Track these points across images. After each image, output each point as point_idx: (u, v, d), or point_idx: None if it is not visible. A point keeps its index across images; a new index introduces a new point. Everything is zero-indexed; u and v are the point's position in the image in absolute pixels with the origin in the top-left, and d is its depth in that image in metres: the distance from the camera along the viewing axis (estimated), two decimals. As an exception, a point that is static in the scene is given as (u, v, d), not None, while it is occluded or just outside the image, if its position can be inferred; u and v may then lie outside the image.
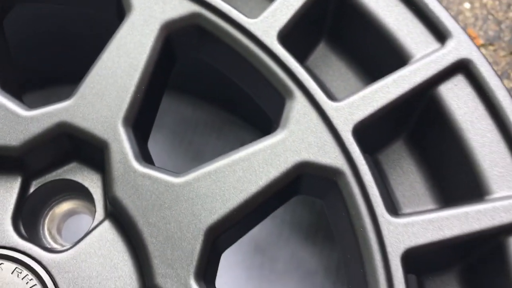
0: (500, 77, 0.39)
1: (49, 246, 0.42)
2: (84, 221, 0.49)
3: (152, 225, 0.37)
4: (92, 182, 0.42)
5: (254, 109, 0.48)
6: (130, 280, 0.38)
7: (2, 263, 0.38)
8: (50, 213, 0.44)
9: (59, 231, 0.45)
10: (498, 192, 0.35)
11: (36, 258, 0.38)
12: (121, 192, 0.38)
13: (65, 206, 0.44)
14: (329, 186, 0.38)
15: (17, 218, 0.40)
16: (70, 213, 0.45)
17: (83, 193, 0.43)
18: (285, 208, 0.66)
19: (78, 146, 0.40)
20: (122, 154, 0.38)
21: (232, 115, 0.69)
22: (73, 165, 0.42)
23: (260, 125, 0.66)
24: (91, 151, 0.40)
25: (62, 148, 0.40)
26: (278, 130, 0.38)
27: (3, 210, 0.40)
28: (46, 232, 0.44)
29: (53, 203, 0.44)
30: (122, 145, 0.39)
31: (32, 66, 0.57)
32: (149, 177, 0.38)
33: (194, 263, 0.36)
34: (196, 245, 0.36)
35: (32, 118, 0.39)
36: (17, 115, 0.39)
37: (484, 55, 0.38)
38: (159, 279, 0.36)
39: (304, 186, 0.38)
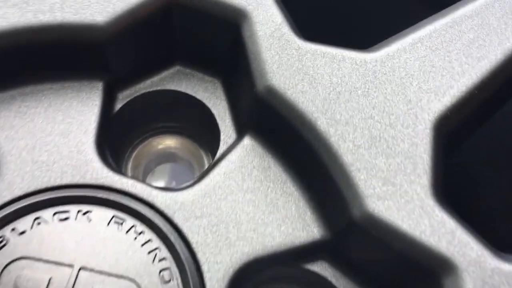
0: None
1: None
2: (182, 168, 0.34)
3: (343, 123, 0.23)
4: (206, 92, 0.28)
5: None
6: (302, 224, 0.24)
7: (89, 211, 0.24)
8: (137, 151, 0.30)
9: (144, 180, 0.30)
10: None
11: (145, 200, 0.24)
12: (282, 80, 0.24)
13: (158, 143, 0.30)
14: None
15: (102, 144, 0.26)
16: (164, 156, 0.31)
17: (191, 115, 0.29)
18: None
19: (194, 31, 0.27)
20: (274, 25, 0.25)
21: None
22: (175, 69, 0.29)
23: None
24: (217, 34, 0.26)
25: (166, 36, 0.27)
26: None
27: (82, 131, 0.25)
28: (129, 172, 0.29)
29: (142, 136, 0.30)
30: (271, 11, 0.25)
31: None
32: (324, 54, 0.25)
33: (429, 173, 0.22)
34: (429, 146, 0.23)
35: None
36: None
37: None
38: (373, 204, 0.22)
39: None
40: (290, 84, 0.24)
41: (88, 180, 0.23)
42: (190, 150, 0.30)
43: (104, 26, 0.24)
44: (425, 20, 0.24)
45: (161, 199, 0.23)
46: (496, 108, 0.24)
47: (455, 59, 0.23)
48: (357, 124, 0.23)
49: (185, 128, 0.29)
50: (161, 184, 0.30)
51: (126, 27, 0.24)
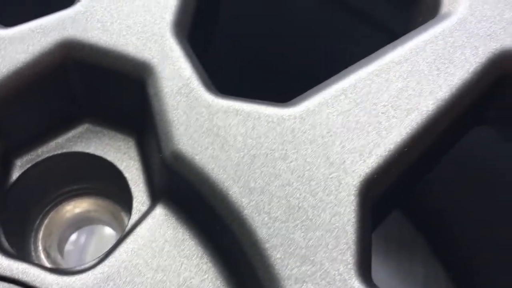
0: None
1: (52, 266, 0.25)
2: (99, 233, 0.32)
3: (258, 192, 0.21)
4: (118, 153, 0.26)
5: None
6: (220, 307, 0.22)
7: (-29, 306, 0.21)
8: (48, 218, 0.27)
9: (60, 248, 0.28)
10: None
11: (37, 288, 0.22)
12: (190, 143, 0.22)
13: (73, 207, 0.28)
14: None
15: (-7, 223, 0.23)
16: (80, 221, 0.28)
17: (104, 178, 0.26)
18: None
19: (97, 87, 0.24)
20: (182, 80, 0.22)
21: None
22: (84, 128, 0.26)
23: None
24: (122, 91, 0.24)
25: (68, 93, 0.24)
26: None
27: (-33, 210, 0.23)
28: (41, 248, 0.26)
29: (53, 202, 0.27)
30: (178, 65, 0.23)
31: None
32: (237, 112, 0.22)
33: (353, 248, 0.20)
34: (352, 216, 0.20)
35: (13, 37, 0.23)
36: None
37: None
38: (292, 289, 0.19)
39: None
40: (199, 148, 0.21)
41: (-29, 268, 0.21)
42: (110, 211, 0.28)
43: (-11, 90, 0.22)
44: (349, 68, 0.22)
45: (56, 284, 0.21)
46: (431, 166, 0.22)
47: (382, 113, 0.21)
48: (273, 193, 0.20)
49: (101, 189, 0.27)
50: (82, 251, 0.28)
51: (14, 89, 0.22)
